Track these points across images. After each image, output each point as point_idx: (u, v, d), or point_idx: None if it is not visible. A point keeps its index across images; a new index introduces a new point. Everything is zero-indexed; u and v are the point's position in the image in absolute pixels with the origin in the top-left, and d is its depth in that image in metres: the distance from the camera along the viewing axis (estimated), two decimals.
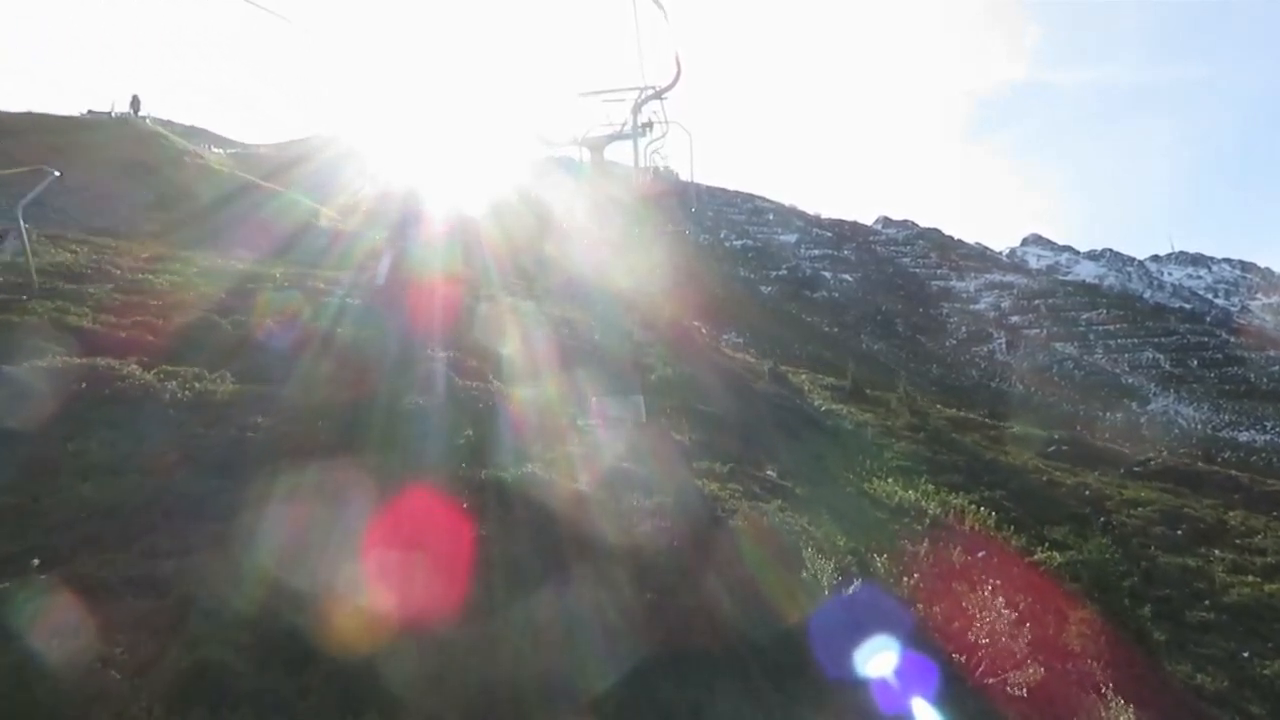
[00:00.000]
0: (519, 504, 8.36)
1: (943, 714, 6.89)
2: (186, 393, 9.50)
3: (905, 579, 10.92)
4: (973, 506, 15.94)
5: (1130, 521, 17.76)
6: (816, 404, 23.22)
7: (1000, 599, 9.59)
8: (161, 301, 13.76)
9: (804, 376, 28.62)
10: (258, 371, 11.26)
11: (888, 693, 6.86)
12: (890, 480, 15.88)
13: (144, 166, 36.95)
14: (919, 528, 13.81)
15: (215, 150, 62.21)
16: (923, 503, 14.93)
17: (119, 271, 15.44)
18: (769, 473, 14.33)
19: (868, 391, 27.87)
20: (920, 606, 10.27)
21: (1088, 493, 19.47)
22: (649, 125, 14.92)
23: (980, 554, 14.07)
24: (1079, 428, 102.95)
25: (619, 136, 15.00)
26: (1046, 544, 14.83)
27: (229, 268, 18.52)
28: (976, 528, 14.78)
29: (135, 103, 48.73)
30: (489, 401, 12.00)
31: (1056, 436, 26.87)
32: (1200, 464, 26.49)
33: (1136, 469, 25.05)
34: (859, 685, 6.78)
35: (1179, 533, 18.08)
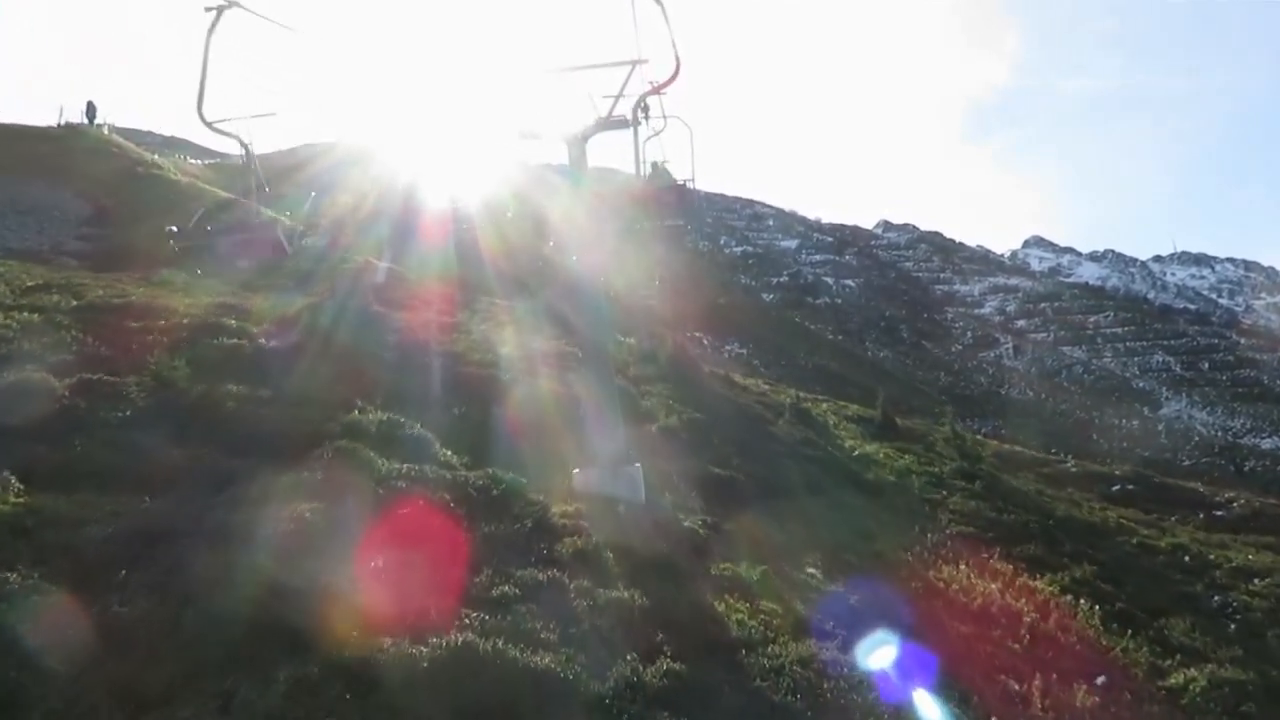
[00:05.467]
0: None
1: None
2: None
3: None
4: (1067, 597, 12.44)
5: (1254, 602, 14.21)
6: (847, 445, 19.74)
7: None
8: None
9: (825, 406, 25.12)
10: (78, 466, 7.72)
11: None
12: (962, 566, 12.35)
13: (86, 179, 33.42)
14: (1016, 646, 10.34)
15: (193, 161, 58.97)
16: (1012, 602, 11.42)
17: None
18: (810, 571, 10.80)
19: (899, 422, 24.35)
20: None
21: (1188, 558, 15.95)
22: (646, 110, 11.57)
23: (1100, 680, 10.57)
24: (1095, 436, 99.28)
25: (612, 124, 11.71)
26: (1177, 655, 11.26)
27: (129, 298, 14.97)
28: (1084, 635, 11.28)
29: (90, 110, 45.21)
30: (415, 492, 8.43)
31: (1118, 473, 23.35)
32: None
33: (1218, 513, 21.56)
34: None
35: None
